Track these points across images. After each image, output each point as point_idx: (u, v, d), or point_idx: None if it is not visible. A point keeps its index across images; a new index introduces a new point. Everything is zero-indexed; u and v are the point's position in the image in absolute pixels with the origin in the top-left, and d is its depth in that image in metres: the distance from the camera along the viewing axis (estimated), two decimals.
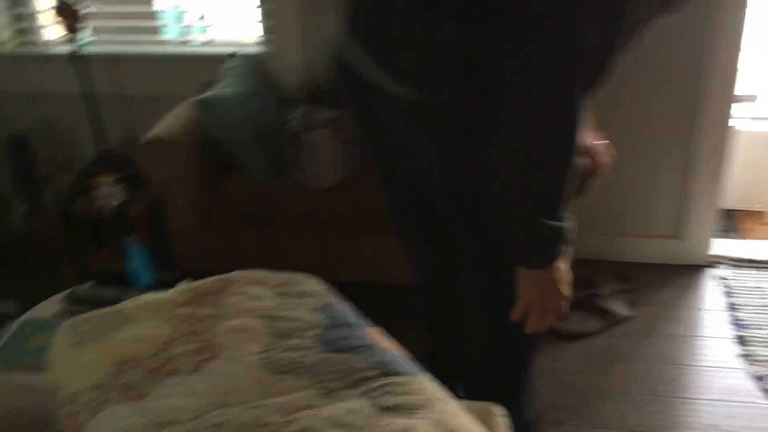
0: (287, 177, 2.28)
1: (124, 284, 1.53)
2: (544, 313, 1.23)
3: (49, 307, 1.54)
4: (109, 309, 1.04)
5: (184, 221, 2.29)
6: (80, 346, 0.98)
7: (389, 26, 1.25)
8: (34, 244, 2.76)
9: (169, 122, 2.28)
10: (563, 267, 1.22)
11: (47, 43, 2.78)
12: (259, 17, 2.58)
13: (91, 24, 2.64)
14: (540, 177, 1.14)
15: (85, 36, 2.58)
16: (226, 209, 2.28)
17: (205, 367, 0.93)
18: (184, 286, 1.07)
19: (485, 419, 1.01)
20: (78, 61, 2.56)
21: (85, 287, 1.53)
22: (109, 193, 2.45)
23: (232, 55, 2.51)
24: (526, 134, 1.11)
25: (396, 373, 0.95)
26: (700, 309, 2.35)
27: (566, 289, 1.24)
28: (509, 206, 1.17)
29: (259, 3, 2.56)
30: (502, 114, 1.10)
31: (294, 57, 2.56)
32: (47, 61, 2.71)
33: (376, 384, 0.93)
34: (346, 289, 2.25)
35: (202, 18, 2.88)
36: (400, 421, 0.86)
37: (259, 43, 2.64)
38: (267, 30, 2.58)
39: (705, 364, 2.10)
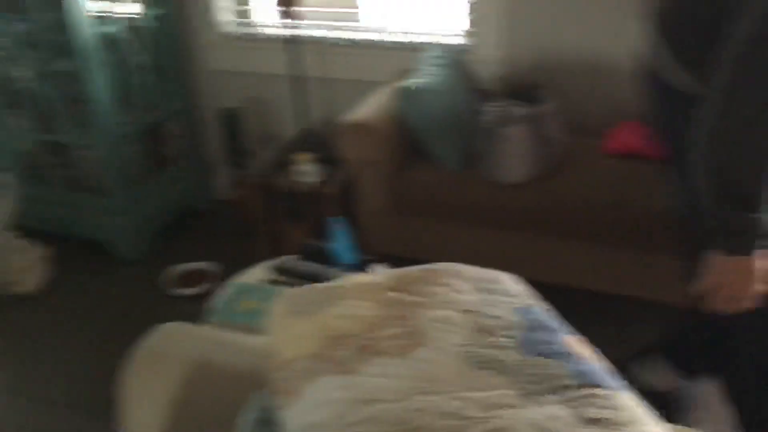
0: (477, 169, 2.30)
1: (327, 262, 1.63)
2: (730, 299, 1.29)
3: (257, 273, 1.67)
4: (324, 285, 1.12)
5: (373, 204, 2.39)
6: (297, 317, 1.06)
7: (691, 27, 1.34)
8: (235, 212, 3.00)
9: (369, 107, 2.38)
10: (758, 262, 1.25)
11: (263, 26, 2.99)
12: (465, 9, 2.60)
13: (304, 10, 2.81)
14: (737, 160, 1.20)
15: (299, 21, 2.74)
16: (413, 196, 2.34)
17: (410, 353, 0.97)
18: (391, 272, 1.12)
19: None
20: (290, 44, 2.74)
21: (291, 259, 1.65)
22: (306, 170, 2.60)
23: (432, 46, 2.57)
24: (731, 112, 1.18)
25: (597, 385, 0.93)
26: None
27: (757, 285, 1.26)
28: (707, 188, 1.23)
29: None
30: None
31: (495, 51, 2.56)
32: (263, 42, 2.92)
33: (577, 394, 0.92)
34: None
35: (403, 8, 2.96)
36: None
37: (460, 35, 2.67)
38: (471, 22, 2.60)
39: None
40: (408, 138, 2.38)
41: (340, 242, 1.65)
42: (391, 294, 1.08)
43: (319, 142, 2.75)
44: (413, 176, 2.37)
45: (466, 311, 1.05)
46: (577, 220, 2.15)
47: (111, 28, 2.66)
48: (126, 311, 2.61)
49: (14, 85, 2.85)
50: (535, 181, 2.23)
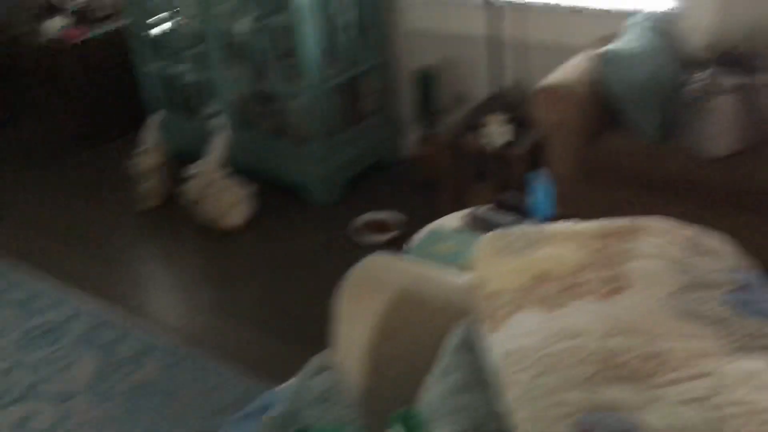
0: (676, 140, 2.23)
1: (522, 214, 1.68)
2: None
3: (451, 220, 1.77)
4: (530, 228, 1.18)
5: (562, 169, 2.39)
6: (503, 254, 1.13)
7: None
8: (423, 168, 3.12)
9: (566, 71, 2.37)
10: None
11: None
12: None
13: None
14: None
15: None
16: (605, 164, 2.32)
17: (613, 297, 1.01)
18: (598, 221, 1.16)
19: None
20: (490, 6, 2.78)
21: (485, 209, 1.72)
22: (496, 131, 2.65)
23: (639, 11, 2.50)
24: None
25: None
26: None
27: None
28: None
29: None
30: None
31: (705, 17, 2.45)
32: (462, 3, 2.98)
33: None
34: None
35: None
36: None
37: (669, 1, 2.57)
38: None
39: None
40: (604, 105, 2.35)
41: (538, 196, 1.69)
42: (595, 241, 1.12)
43: (511, 104, 2.78)
44: (607, 144, 2.34)
45: (673, 264, 1.07)
46: None
47: None
48: (317, 251, 2.83)
49: (234, 38, 3.13)
50: (740, 156, 2.13)
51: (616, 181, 2.32)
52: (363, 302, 1.35)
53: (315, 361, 1.15)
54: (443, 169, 2.83)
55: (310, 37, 2.79)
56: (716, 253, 1.11)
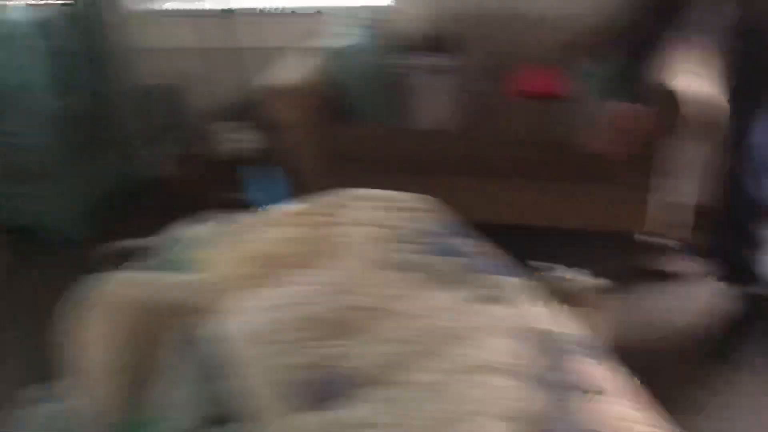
0: (404, 121, 2.42)
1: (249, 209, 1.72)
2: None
3: (195, 226, 1.75)
4: (252, 216, 1.23)
5: (305, 164, 2.48)
6: (230, 245, 1.17)
7: None
8: (174, 187, 3.05)
9: (293, 70, 2.47)
10: None
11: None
12: None
13: None
14: None
15: None
16: (344, 152, 2.45)
17: (330, 265, 1.10)
18: (314, 200, 1.24)
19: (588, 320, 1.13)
20: (221, 16, 2.80)
21: (212, 214, 1.74)
22: (239, 137, 2.69)
23: (353, 7, 2.67)
24: None
25: (501, 275, 1.08)
26: None
27: None
28: None
29: None
30: None
31: (416, 7, 2.67)
32: (179, 18, 2.97)
33: (480, 282, 1.06)
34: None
35: None
36: (489, 307, 0.99)
37: None
38: None
39: None
40: (334, 97, 2.48)
41: (267, 189, 1.74)
42: (315, 218, 1.20)
43: (246, 110, 2.83)
44: (342, 134, 2.47)
45: (382, 225, 1.18)
46: (505, 160, 2.30)
47: (39, 14, 2.67)
48: (63, 293, 2.64)
49: None
50: (459, 128, 2.36)
51: (358, 168, 2.45)
52: (103, 322, 1.31)
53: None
54: (195, 184, 2.80)
55: (28, 69, 2.61)
56: (420, 210, 1.24)
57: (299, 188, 2.54)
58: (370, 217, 1.20)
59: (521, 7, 2.56)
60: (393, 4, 2.71)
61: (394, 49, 2.53)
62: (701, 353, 1.98)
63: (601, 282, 1.71)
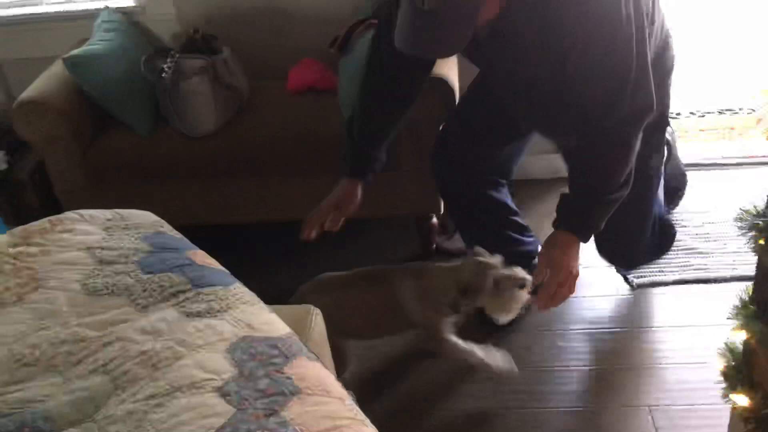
0: (168, 127, 2.35)
1: None
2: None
3: None
4: None
5: (67, 180, 2.36)
6: None
7: None
8: None
9: (42, 82, 2.33)
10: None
11: None
12: None
13: None
14: None
15: None
16: (109, 166, 2.35)
17: (27, 297, 1.04)
18: (16, 229, 1.17)
19: (302, 318, 1.15)
20: None
21: None
22: None
23: (102, 10, 2.55)
24: None
25: (209, 285, 1.07)
26: None
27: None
28: None
29: None
30: None
31: (166, 8, 2.60)
32: None
33: (189, 295, 1.05)
34: (232, 230, 2.41)
35: None
36: (204, 322, 0.98)
37: None
38: None
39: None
40: (93, 108, 2.37)
41: None
42: (13, 249, 1.13)
43: (1, 128, 2.63)
44: (106, 145, 2.37)
45: (88, 248, 1.13)
46: (270, 158, 2.30)
47: None
48: None
49: None
50: (224, 129, 2.33)
51: (125, 179, 2.37)
52: None
53: None
54: None
55: None
56: (134, 227, 1.21)
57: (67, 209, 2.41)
58: (81, 241, 1.15)
59: (280, 5, 2.57)
60: (143, 4, 2.62)
61: (150, 53, 2.45)
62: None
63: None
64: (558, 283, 1.66)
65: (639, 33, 1.51)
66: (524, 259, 2.03)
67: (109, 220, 1.22)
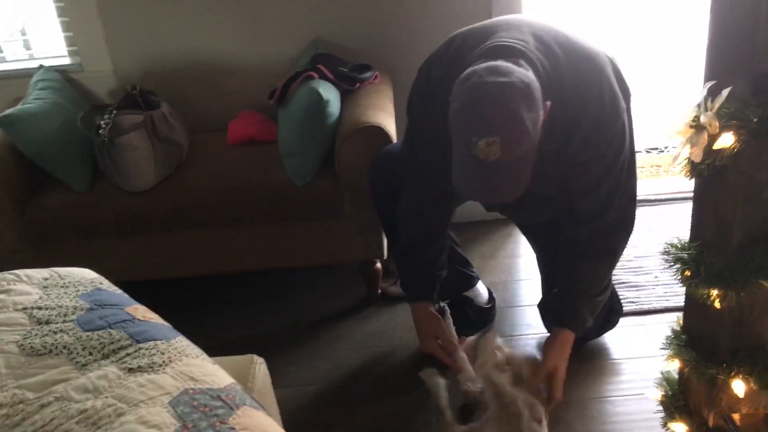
0: (106, 183, 2.34)
1: None
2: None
3: None
4: None
5: (3, 240, 2.31)
6: None
7: None
8: None
9: None
10: None
11: None
12: (60, 29, 2.60)
13: None
14: None
15: None
16: (48, 222, 2.32)
17: None
18: None
19: (245, 368, 1.15)
20: None
21: None
22: None
23: (37, 69, 2.54)
24: None
25: (150, 339, 1.07)
26: (518, 256, 2.61)
27: None
28: None
29: (57, 15, 2.58)
30: None
31: (102, 65, 2.61)
32: None
33: (130, 351, 1.05)
34: (174, 284, 2.40)
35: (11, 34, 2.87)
36: (145, 377, 0.98)
37: (65, 55, 2.66)
38: (70, 41, 2.61)
39: (523, 303, 2.36)
40: (28, 166, 2.34)
41: None
42: None
43: None
44: (43, 204, 2.34)
45: (25, 309, 1.12)
46: (212, 210, 2.31)
47: None
48: None
49: None
50: (164, 183, 2.33)
51: (63, 236, 2.35)
52: None
53: None
54: None
55: None
56: (73, 285, 1.20)
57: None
58: (19, 301, 1.14)
59: (217, 60, 2.60)
60: (79, 62, 2.62)
61: (84, 110, 2.45)
62: None
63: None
64: (557, 390, 1.82)
65: (631, 143, 1.68)
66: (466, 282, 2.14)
67: (46, 279, 1.21)
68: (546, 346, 1.88)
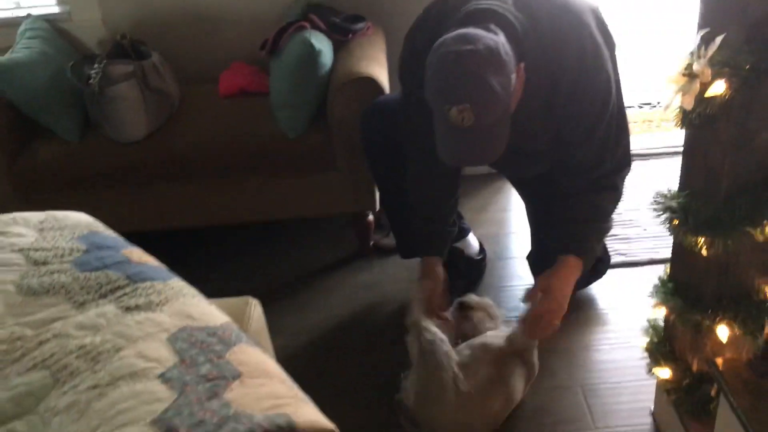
0: (97, 134, 2.33)
1: None
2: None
3: None
4: None
5: None
6: None
7: None
8: None
9: None
10: None
11: None
12: None
13: None
14: None
15: None
16: (39, 174, 2.32)
17: None
18: None
19: (241, 310, 1.18)
20: None
21: None
22: None
23: (25, 18, 2.51)
24: None
25: (147, 280, 1.09)
26: (508, 210, 2.63)
27: None
28: None
29: None
30: None
31: (92, 14, 2.58)
32: None
33: (128, 290, 1.07)
34: (166, 236, 2.41)
35: None
36: (143, 315, 1.00)
37: (54, 3, 2.63)
38: None
39: (513, 255, 2.39)
40: (17, 117, 2.32)
41: None
42: None
43: None
44: (34, 154, 2.33)
45: (21, 250, 1.13)
46: (204, 162, 2.31)
47: None
48: None
49: None
50: (155, 134, 2.33)
51: (54, 188, 2.34)
52: None
53: None
54: None
55: None
56: (69, 228, 1.21)
57: None
58: (15, 242, 1.15)
59: (208, 10, 2.58)
60: (68, 11, 2.59)
61: (74, 60, 2.42)
62: None
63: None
64: (548, 309, 1.71)
65: (618, 93, 1.68)
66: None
67: (41, 222, 1.22)
68: (543, 275, 1.79)
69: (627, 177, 1.81)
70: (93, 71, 2.28)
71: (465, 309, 1.91)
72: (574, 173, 1.76)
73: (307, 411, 0.88)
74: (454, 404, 1.60)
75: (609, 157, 1.72)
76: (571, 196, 1.78)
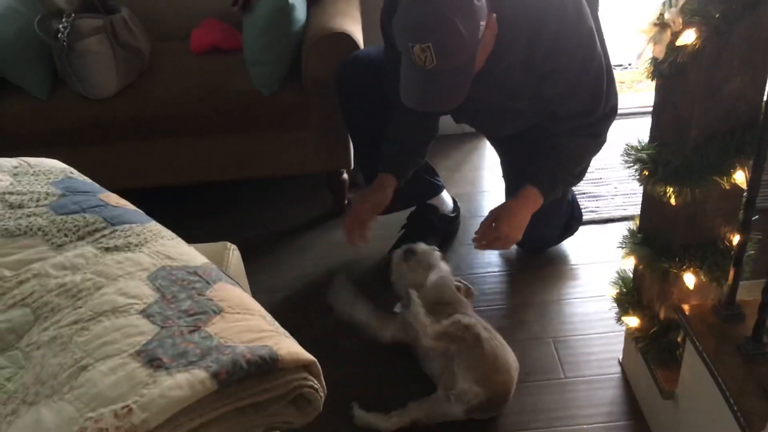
0: (67, 90, 2.31)
1: None
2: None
3: None
4: None
5: None
6: None
7: None
8: None
9: None
10: None
11: None
12: None
13: None
14: None
15: None
16: (7, 130, 2.29)
17: None
18: None
19: (219, 254, 1.19)
20: None
21: None
22: None
23: None
24: None
25: (125, 222, 1.10)
26: (482, 168, 2.67)
27: None
28: None
29: None
30: None
31: None
32: None
33: (106, 232, 1.08)
34: (140, 195, 2.40)
35: None
36: (122, 255, 1.01)
37: None
38: None
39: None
40: None
41: None
42: None
43: None
44: (2, 113, 2.31)
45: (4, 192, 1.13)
46: (176, 119, 2.30)
47: None
48: None
49: None
50: (126, 91, 2.31)
51: (23, 145, 2.28)
52: None
53: None
54: None
55: None
56: (44, 173, 1.21)
57: None
58: None
59: None
60: None
61: (41, 13, 2.38)
62: None
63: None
64: (502, 232, 1.79)
65: (603, 47, 1.70)
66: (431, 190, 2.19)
67: (15, 167, 1.22)
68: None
69: (611, 126, 1.84)
70: (61, 26, 2.24)
71: (409, 255, 1.94)
72: (561, 121, 1.79)
73: (289, 343, 0.90)
74: (504, 350, 1.72)
75: (598, 109, 1.74)
76: (552, 136, 1.82)
